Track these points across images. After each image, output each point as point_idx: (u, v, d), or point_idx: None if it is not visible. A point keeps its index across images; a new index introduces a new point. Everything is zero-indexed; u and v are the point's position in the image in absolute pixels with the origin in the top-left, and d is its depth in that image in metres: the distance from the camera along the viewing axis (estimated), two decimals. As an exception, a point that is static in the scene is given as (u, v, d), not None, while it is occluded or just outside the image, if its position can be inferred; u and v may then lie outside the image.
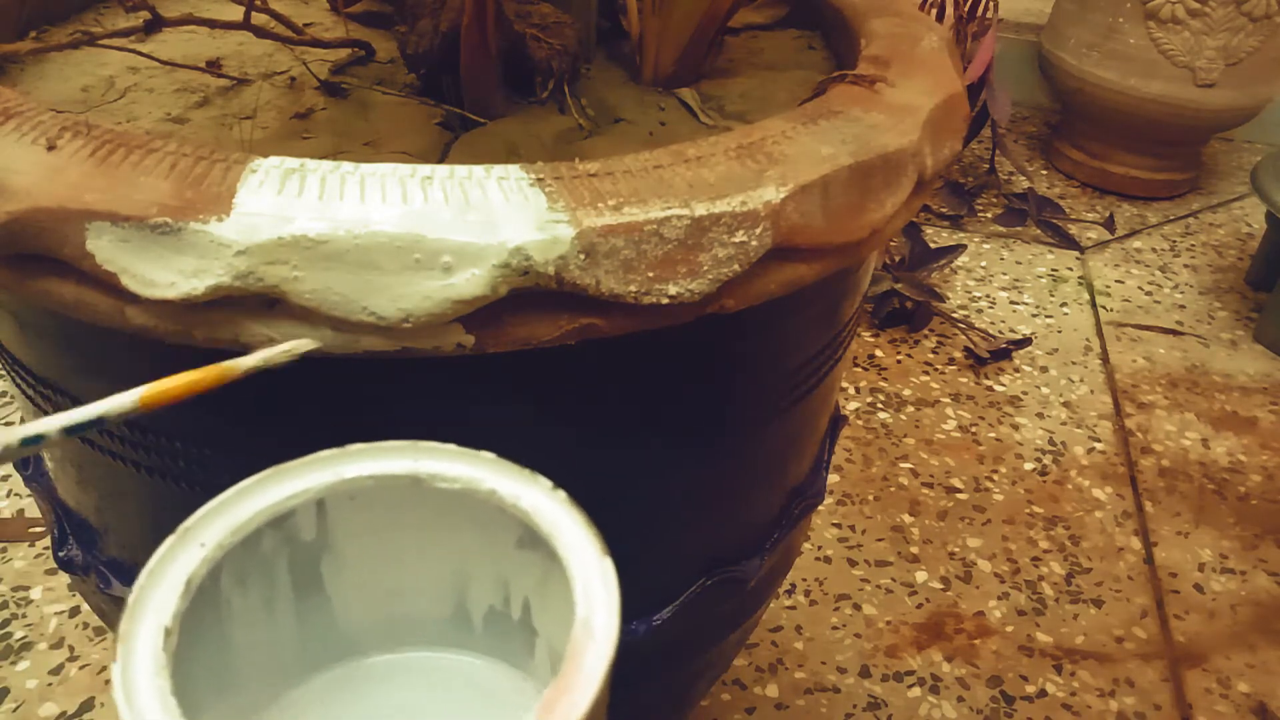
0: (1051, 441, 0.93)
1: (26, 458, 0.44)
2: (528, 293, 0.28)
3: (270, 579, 0.28)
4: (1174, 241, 1.31)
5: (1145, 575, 0.80)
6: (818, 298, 0.38)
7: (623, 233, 0.28)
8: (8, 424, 0.84)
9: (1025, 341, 1.05)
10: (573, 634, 0.23)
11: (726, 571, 0.43)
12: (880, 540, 0.81)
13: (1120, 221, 1.34)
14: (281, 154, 0.29)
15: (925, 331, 1.07)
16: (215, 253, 0.26)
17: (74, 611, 0.69)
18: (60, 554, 0.42)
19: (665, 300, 0.29)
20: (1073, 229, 1.30)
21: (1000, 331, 1.08)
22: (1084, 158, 1.43)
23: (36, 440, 0.23)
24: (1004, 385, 1.00)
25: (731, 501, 0.42)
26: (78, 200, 0.27)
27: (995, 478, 0.88)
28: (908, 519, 0.83)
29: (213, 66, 0.43)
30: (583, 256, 0.28)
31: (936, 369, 1.02)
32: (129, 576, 0.40)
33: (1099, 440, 0.94)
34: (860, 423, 0.94)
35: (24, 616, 0.68)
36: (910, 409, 0.96)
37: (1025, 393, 0.99)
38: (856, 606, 0.75)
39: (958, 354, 1.04)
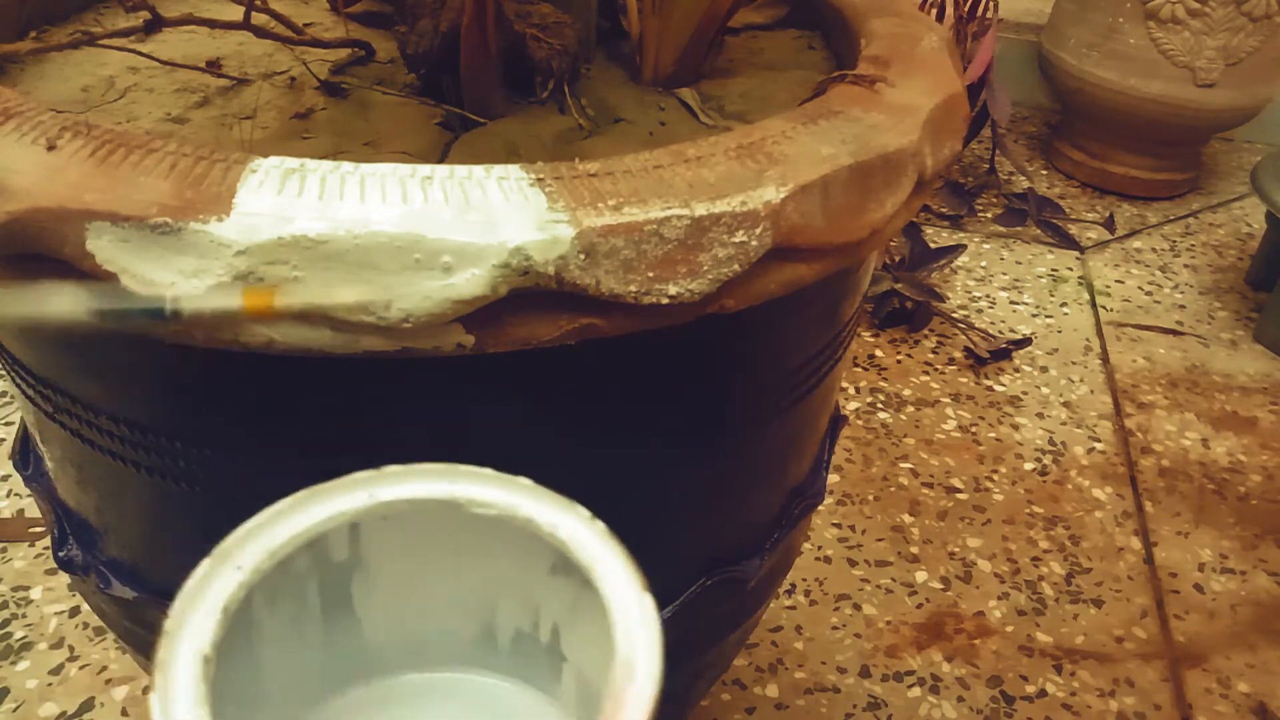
0: (1051, 441, 0.93)
1: (27, 456, 0.44)
2: (528, 293, 0.28)
3: (301, 599, 0.28)
4: (1174, 241, 1.31)
5: (1145, 575, 0.80)
6: (818, 298, 0.38)
7: (623, 233, 0.28)
8: (8, 424, 0.84)
9: (1025, 341, 1.05)
10: (613, 675, 0.23)
11: (726, 571, 0.43)
12: (880, 540, 0.81)
13: (1120, 221, 1.34)
14: (281, 154, 0.29)
15: (925, 331, 1.07)
16: (215, 253, 0.26)
17: (74, 611, 0.69)
18: (60, 554, 0.42)
19: (665, 300, 0.29)
20: (1073, 229, 1.30)
21: (1000, 331, 1.08)
22: (1084, 158, 1.43)
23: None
24: (1004, 385, 1.00)
25: (731, 501, 0.42)
26: (78, 200, 0.27)
27: (995, 478, 0.88)
28: (908, 519, 0.83)
29: (213, 66, 0.43)
30: (583, 256, 0.28)
31: (936, 369, 1.02)
32: (129, 576, 0.40)
33: (1099, 440, 0.94)
34: (860, 423, 0.94)
35: (24, 616, 0.68)
36: (910, 409, 0.96)
37: (1025, 393, 0.99)
38: (856, 606, 0.75)
39: (958, 354, 1.04)
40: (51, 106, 0.31)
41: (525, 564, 0.28)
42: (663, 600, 0.42)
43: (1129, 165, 1.39)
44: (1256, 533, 0.85)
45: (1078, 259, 1.25)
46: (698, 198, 0.29)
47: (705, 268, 0.29)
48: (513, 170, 0.29)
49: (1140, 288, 1.19)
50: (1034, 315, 1.12)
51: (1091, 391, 1.00)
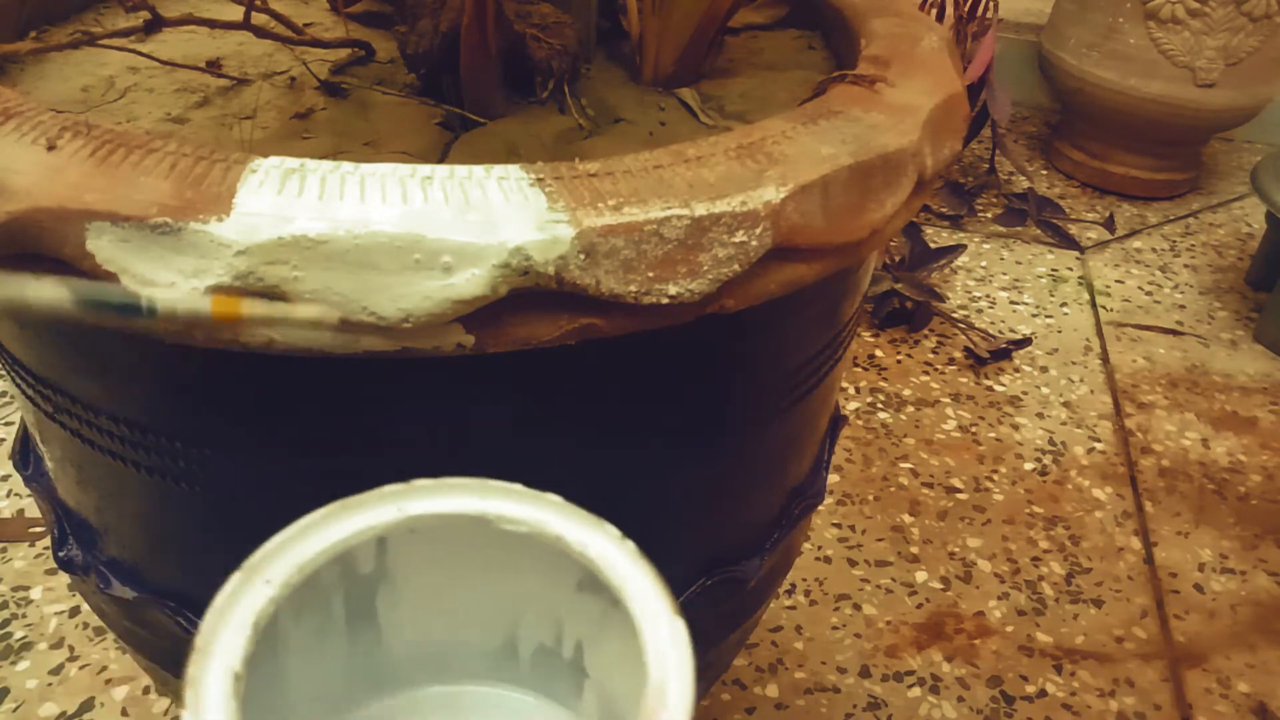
0: (1051, 441, 0.93)
1: (27, 456, 0.44)
2: (528, 293, 0.28)
3: (326, 610, 0.28)
4: (1174, 241, 1.31)
5: (1145, 575, 0.80)
6: (818, 298, 0.38)
7: (623, 233, 0.28)
8: (8, 424, 0.84)
9: (1025, 341, 1.05)
10: (645, 701, 0.22)
11: (726, 571, 0.43)
12: (880, 540, 0.81)
13: (1120, 221, 1.34)
14: (281, 154, 0.29)
15: (925, 331, 1.07)
16: (215, 253, 0.26)
17: (74, 611, 0.69)
18: (60, 554, 0.42)
19: (665, 300, 0.29)
20: (1073, 229, 1.30)
21: (1000, 331, 1.08)
22: (1084, 158, 1.43)
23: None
24: (1004, 385, 1.00)
25: (731, 501, 0.42)
26: (78, 200, 0.27)
27: (995, 478, 0.88)
28: (908, 519, 0.83)
29: (213, 66, 0.43)
30: (583, 256, 0.28)
31: (936, 369, 1.02)
32: (129, 576, 0.40)
33: (1099, 440, 0.94)
34: (860, 423, 0.94)
35: (24, 616, 0.68)
36: (910, 409, 0.96)
37: (1025, 393, 0.99)
38: (856, 606, 0.75)
39: (958, 354, 1.04)
40: (51, 106, 0.31)
41: (551, 580, 0.28)
42: (663, 600, 0.42)
43: (1129, 165, 1.39)
44: (1256, 533, 0.85)
45: (1078, 259, 1.25)
46: (698, 198, 0.29)
47: (705, 268, 0.29)
48: (513, 170, 0.29)
49: (1140, 288, 1.19)
50: (1034, 315, 1.12)
51: (1091, 391, 1.00)
